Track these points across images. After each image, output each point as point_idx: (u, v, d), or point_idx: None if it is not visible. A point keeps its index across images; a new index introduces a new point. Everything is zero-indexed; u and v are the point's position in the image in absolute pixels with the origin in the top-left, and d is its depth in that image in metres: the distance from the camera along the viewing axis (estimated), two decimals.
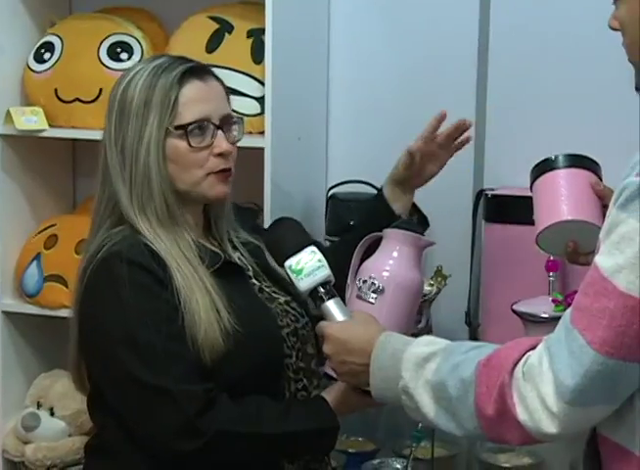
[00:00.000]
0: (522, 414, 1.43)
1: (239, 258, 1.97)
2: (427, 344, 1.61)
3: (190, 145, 1.85)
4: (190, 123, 1.85)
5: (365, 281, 1.89)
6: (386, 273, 1.88)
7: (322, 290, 1.82)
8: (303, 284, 1.82)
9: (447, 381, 1.52)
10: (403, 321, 1.88)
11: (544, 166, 1.88)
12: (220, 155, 1.88)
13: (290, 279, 1.84)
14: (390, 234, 1.94)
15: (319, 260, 1.83)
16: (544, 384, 1.40)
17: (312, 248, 1.86)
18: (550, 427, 1.41)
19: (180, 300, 1.78)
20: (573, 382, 1.38)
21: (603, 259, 1.38)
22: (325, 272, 1.83)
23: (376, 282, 1.87)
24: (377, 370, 1.63)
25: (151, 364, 1.75)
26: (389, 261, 1.90)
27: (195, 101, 1.86)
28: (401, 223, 1.96)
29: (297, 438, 1.83)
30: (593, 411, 1.41)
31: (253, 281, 1.97)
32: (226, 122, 1.90)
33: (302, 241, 1.87)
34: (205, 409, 1.75)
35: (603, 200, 1.84)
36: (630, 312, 1.35)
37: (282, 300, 1.98)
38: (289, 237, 1.89)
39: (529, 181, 1.93)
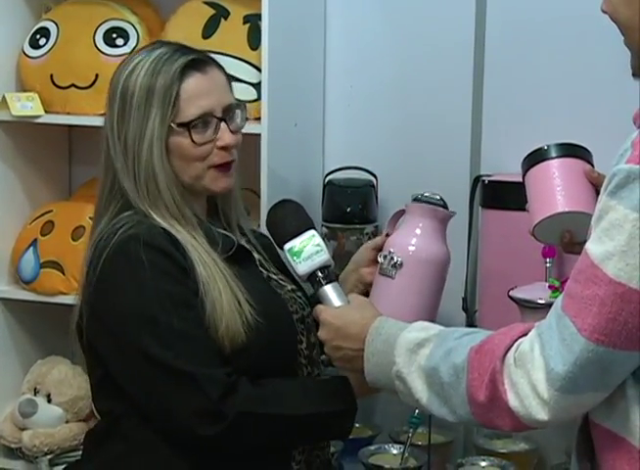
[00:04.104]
0: (513, 400, 1.43)
1: (246, 245, 1.96)
2: (420, 329, 1.61)
3: (193, 141, 1.84)
4: (192, 120, 1.84)
5: (385, 256, 1.90)
6: (405, 247, 1.89)
7: (320, 274, 1.81)
8: (302, 268, 1.82)
9: (440, 367, 1.52)
10: (426, 296, 1.88)
11: (536, 157, 1.87)
12: (223, 148, 1.88)
13: (288, 262, 1.84)
14: (411, 208, 1.94)
15: (318, 245, 1.83)
16: (535, 370, 1.41)
17: (312, 232, 1.85)
18: (541, 413, 1.42)
19: (202, 289, 1.77)
20: (564, 369, 1.38)
21: (593, 246, 1.38)
22: (324, 257, 1.82)
23: (394, 257, 1.88)
24: (371, 355, 1.64)
25: (172, 346, 1.74)
26: (410, 235, 1.90)
27: (196, 96, 1.85)
28: (422, 197, 1.95)
29: (316, 418, 1.82)
30: (584, 398, 1.41)
31: (261, 269, 1.97)
32: (229, 112, 1.89)
33: (303, 224, 1.87)
34: (228, 393, 1.74)
35: (598, 187, 1.83)
36: (620, 300, 1.34)
37: (289, 287, 1.98)
38: (289, 220, 1.89)
39: (522, 172, 1.92)
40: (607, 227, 1.36)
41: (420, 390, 1.55)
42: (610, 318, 1.35)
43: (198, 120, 1.84)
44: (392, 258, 1.88)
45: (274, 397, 1.79)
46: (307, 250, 1.82)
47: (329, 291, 1.80)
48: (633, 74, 1.54)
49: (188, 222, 1.85)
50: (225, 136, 1.87)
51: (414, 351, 1.57)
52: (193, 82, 1.85)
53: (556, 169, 1.85)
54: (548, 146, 1.86)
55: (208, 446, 1.77)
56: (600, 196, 1.41)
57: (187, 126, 1.84)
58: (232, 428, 1.74)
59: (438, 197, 1.94)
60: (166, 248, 1.78)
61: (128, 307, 1.76)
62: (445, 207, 1.94)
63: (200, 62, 1.88)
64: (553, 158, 1.85)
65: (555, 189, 1.83)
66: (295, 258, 1.82)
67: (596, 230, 1.38)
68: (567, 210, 1.82)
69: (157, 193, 1.83)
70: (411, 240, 1.89)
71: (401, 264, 1.87)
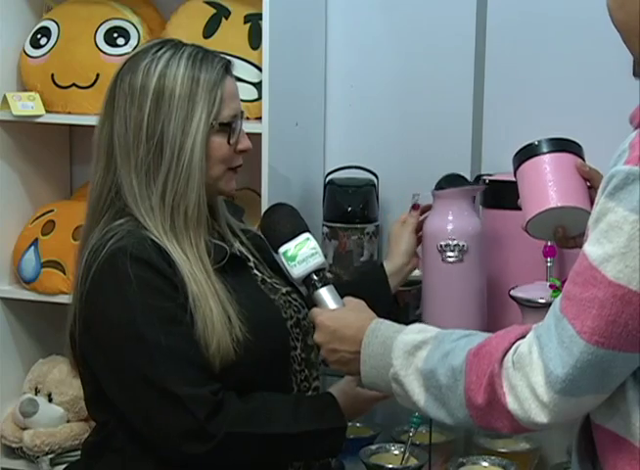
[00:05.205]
0: (511, 403, 1.43)
1: (240, 248, 1.95)
2: (418, 331, 1.60)
3: (229, 142, 1.85)
4: (231, 121, 1.85)
5: (447, 244, 2.09)
6: (461, 231, 2.10)
7: (315, 277, 1.80)
8: (297, 271, 1.81)
9: (437, 369, 1.51)
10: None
11: (528, 152, 1.88)
12: (242, 151, 1.90)
13: (283, 265, 1.83)
14: (444, 195, 2.15)
15: (313, 248, 1.82)
16: (534, 373, 1.40)
17: (307, 234, 1.84)
18: (540, 416, 1.41)
19: (192, 305, 1.76)
20: (564, 372, 1.37)
21: (591, 248, 1.37)
22: (318, 259, 1.81)
23: (460, 243, 2.09)
24: (367, 358, 1.63)
25: (158, 365, 1.72)
26: (457, 220, 2.11)
27: (231, 97, 1.87)
28: (443, 183, 2.19)
29: (306, 437, 1.81)
30: (583, 401, 1.40)
31: (255, 272, 1.96)
32: (242, 117, 1.91)
33: (297, 227, 1.86)
34: (215, 412, 1.73)
35: (589, 181, 1.84)
36: (619, 302, 1.34)
37: (284, 290, 1.97)
38: (283, 223, 1.88)
39: (513, 167, 1.92)
40: (605, 229, 1.35)
41: (417, 392, 1.54)
42: (609, 321, 1.34)
43: (234, 122, 1.86)
44: (458, 245, 2.09)
45: (263, 415, 1.77)
46: (302, 253, 1.81)
47: (324, 294, 1.79)
48: (634, 74, 1.54)
49: (200, 224, 1.84)
50: (244, 140, 1.90)
51: (411, 353, 1.56)
52: (229, 83, 1.87)
53: (547, 164, 1.85)
54: (539, 141, 1.87)
55: (198, 464, 1.77)
56: (597, 197, 1.39)
57: (229, 126, 1.85)
58: (221, 447, 1.73)
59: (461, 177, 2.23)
60: (155, 262, 1.76)
61: (116, 323, 1.75)
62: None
63: (230, 65, 1.90)
64: (544, 153, 1.86)
65: (547, 184, 1.84)
66: (289, 261, 1.81)
67: (594, 232, 1.37)
68: (559, 205, 1.82)
69: (185, 192, 1.81)
70: (463, 223, 2.11)
71: (467, 249, 2.10)
